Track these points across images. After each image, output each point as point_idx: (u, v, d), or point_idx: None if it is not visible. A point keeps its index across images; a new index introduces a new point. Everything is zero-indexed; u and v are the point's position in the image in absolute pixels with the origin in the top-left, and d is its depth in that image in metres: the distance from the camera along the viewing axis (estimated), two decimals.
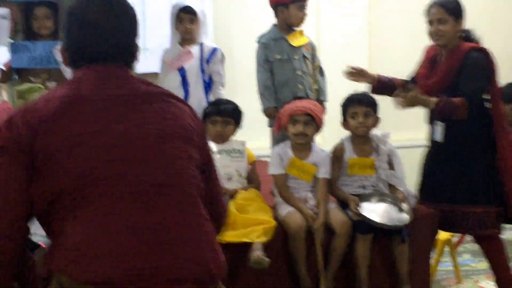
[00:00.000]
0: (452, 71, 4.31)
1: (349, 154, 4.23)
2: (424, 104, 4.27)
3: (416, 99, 4.21)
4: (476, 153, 4.34)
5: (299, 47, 4.77)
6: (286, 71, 4.75)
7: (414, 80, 4.58)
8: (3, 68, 4.45)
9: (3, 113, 3.64)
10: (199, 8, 4.72)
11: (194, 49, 4.68)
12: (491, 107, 4.35)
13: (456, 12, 4.35)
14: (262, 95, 4.80)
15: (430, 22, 4.37)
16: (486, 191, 4.32)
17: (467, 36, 4.44)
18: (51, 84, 4.23)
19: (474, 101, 4.25)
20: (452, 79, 4.31)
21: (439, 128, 4.38)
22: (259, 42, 4.87)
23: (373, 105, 4.21)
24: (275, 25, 4.85)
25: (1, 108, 3.66)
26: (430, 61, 4.51)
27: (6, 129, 2.06)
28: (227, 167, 4.22)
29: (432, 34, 4.36)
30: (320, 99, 4.78)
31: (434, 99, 4.21)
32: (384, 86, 4.59)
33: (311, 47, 4.87)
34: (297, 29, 4.85)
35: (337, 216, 4.01)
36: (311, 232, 3.94)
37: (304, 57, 4.77)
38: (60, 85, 2.21)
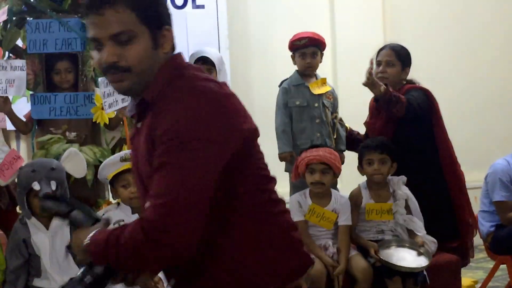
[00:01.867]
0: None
1: (366, 200, 4.23)
2: (375, 86, 4.22)
3: (373, 80, 4.19)
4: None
5: (320, 95, 4.79)
6: (305, 118, 4.77)
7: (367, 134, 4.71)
8: (24, 119, 4.52)
9: (14, 161, 3.69)
10: (216, 56, 4.75)
11: None
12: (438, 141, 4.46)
13: (404, 59, 4.50)
14: (279, 139, 4.82)
15: (378, 63, 4.49)
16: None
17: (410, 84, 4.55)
18: (71, 135, 4.28)
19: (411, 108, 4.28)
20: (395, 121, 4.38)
21: None
22: (280, 86, 4.91)
23: (389, 151, 4.21)
24: (297, 71, 4.89)
25: (11, 157, 3.70)
26: (376, 109, 4.53)
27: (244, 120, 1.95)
28: None
29: (377, 75, 4.43)
30: (339, 149, 4.78)
31: (383, 86, 4.22)
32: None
33: (333, 97, 4.88)
34: (321, 76, 4.89)
35: (358, 263, 4.00)
36: (332, 279, 3.93)
37: (324, 105, 4.79)
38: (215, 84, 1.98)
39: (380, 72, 4.47)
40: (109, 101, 4.13)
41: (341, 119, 4.88)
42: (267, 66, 7.11)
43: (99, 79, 4.14)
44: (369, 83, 4.15)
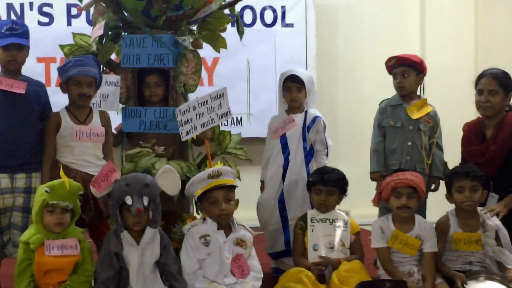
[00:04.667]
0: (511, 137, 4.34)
1: (454, 228, 4.13)
2: None
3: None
4: None
5: (417, 119, 4.71)
6: (397, 139, 4.71)
7: (465, 161, 4.55)
8: (114, 131, 4.61)
9: (109, 174, 3.75)
10: (306, 75, 4.76)
11: (299, 117, 4.71)
12: None
13: (507, 86, 4.41)
14: (371, 158, 4.78)
15: (480, 92, 4.41)
16: None
17: (510, 109, 4.50)
18: (160, 149, 4.34)
19: None
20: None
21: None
22: (379, 105, 4.87)
23: (480, 179, 4.10)
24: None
25: (107, 169, 3.77)
26: (476, 137, 4.51)
27: None
28: (329, 236, 4.21)
29: (480, 104, 4.41)
30: (434, 175, 4.70)
31: None
32: None
33: (433, 120, 4.76)
34: (423, 97, 4.82)
35: None
36: None
37: (420, 129, 4.71)
38: None
39: (483, 102, 4.40)
40: (186, 129, 4.20)
41: (437, 144, 4.76)
42: (353, 86, 7.09)
43: (175, 109, 4.19)
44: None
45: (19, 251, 3.73)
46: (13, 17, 6.61)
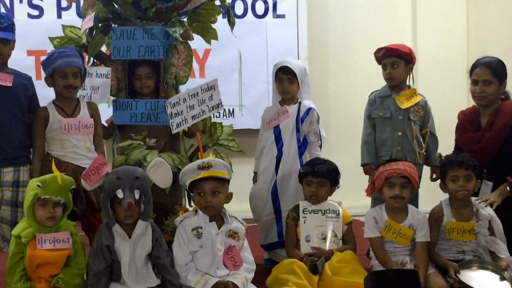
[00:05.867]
0: (507, 126, 4.36)
1: (448, 218, 4.13)
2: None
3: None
4: None
5: (407, 108, 4.70)
6: (387, 130, 4.70)
7: (459, 148, 4.57)
8: (105, 124, 4.59)
9: (100, 167, 3.73)
10: (298, 67, 4.75)
11: (292, 108, 4.70)
12: None
13: (500, 74, 4.41)
14: (361, 150, 4.78)
15: (475, 82, 4.42)
16: None
17: (506, 97, 4.51)
18: (151, 141, 4.32)
19: None
20: (507, 134, 4.35)
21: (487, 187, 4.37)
22: (368, 97, 4.87)
23: (474, 168, 4.10)
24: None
25: (97, 163, 3.75)
26: (471, 124, 4.52)
27: None
28: (321, 226, 4.21)
29: (475, 94, 4.42)
30: (432, 165, 4.70)
31: None
32: None
33: (424, 110, 4.76)
34: (413, 86, 4.81)
35: (436, 282, 3.90)
36: None
37: (409, 119, 4.70)
38: None
39: (478, 92, 4.40)
40: (177, 121, 4.19)
41: (431, 133, 4.76)
42: (345, 78, 7.09)
43: (166, 101, 4.17)
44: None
45: (10, 244, 3.72)
46: (2, 9, 6.57)
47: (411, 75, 4.82)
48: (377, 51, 4.79)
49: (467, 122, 4.55)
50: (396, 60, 4.72)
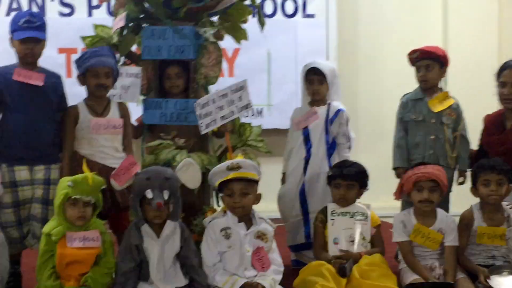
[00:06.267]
0: None
1: (479, 222, 4.09)
2: None
3: None
4: None
5: (440, 112, 4.66)
6: (419, 133, 4.66)
7: (483, 150, 4.51)
8: (135, 123, 4.61)
9: (130, 167, 3.76)
10: (328, 68, 4.72)
11: (321, 110, 4.68)
12: None
13: None
14: (393, 153, 4.75)
15: (503, 84, 4.36)
16: None
17: None
18: (180, 141, 4.33)
19: None
20: None
21: None
22: (400, 100, 4.83)
23: (506, 172, 4.06)
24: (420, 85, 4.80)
25: (127, 163, 3.77)
26: (496, 127, 4.46)
27: None
28: (350, 229, 4.19)
29: (503, 96, 4.36)
30: (460, 169, 4.66)
31: None
32: None
33: (456, 113, 4.71)
34: (445, 89, 4.76)
35: (466, 287, 3.86)
36: None
37: (442, 123, 4.66)
38: None
39: (506, 94, 4.36)
40: (206, 122, 4.19)
41: (462, 136, 4.71)
42: (375, 78, 7.06)
43: (195, 102, 4.18)
44: None
45: (41, 242, 3.75)
46: (34, 8, 6.63)
47: (444, 77, 4.77)
48: (411, 53, 4.74)
49: (492, 125, 4.50)
50: (430, 63, 4.67)
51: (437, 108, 4.63)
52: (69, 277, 3.67)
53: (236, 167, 3.83)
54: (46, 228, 3.73)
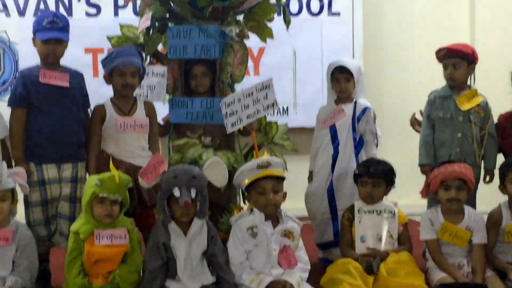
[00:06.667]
0: None
1: (507, 221, 4.07)
2: None
3: None
4: None
5: (468, 110, 4.61)
6: (446, 131, 4.62)
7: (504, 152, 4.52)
8: (161, 122, 4.63)
9: (157, 165, 3.77)
10: (354, 66, 4.70)
11: (348, 108, 4.66)
12: None
13: None
14: (420, 150, 4.71)
15: None
16: None
17: None
18: (207, 140, 4.35)
19: None
20: None
21: None
22: (428, 97, 4.80)
23: None
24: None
25: (155, 161, 3.79)
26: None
27: None
28: (377, 227, 4.18)
29: None
30: (486, 167, 4.61)
31: None
32: None
33: (484, 111, 4.64)
34: (474, 87, 4.72)
35: (495, 285, 3.85)
36: None
37: (470, 121, 4.61)
38: None
39: None
40: (231, 121, 4.21)
41: (490, 134, 4.65)
42: (400, 76, 7.01)
43: (221, 101, 4.19)
44: None
45: (69, 240, 3.79)
46: (61, 8, 6.67)
47: (472, 75, 4.73)
48: (439, 51, 4.69)
49: (508, 124, 4.45)
50: (458, 61, 4.62)
51: (465, 106, 4.58)
52: (97, 275, 3.71)
53: (266, 165, 3.84)
54: (74, 226, 3.77)
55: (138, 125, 4.31)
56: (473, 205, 4.45)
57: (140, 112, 4.36)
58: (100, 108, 4.33)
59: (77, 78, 4.35)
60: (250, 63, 6.62)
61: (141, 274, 3.79)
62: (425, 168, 4.63)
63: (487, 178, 4.61)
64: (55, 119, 4.20)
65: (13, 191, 3.85)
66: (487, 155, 4.60)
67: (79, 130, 4.30)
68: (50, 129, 4.19)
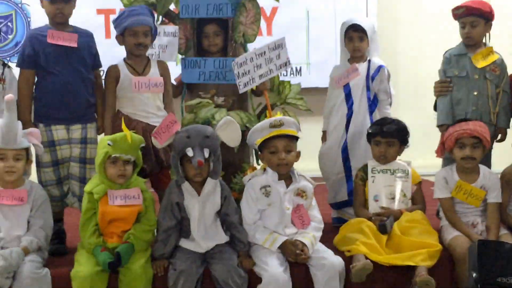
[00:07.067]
0: None
1: None
2: None
3: None
4: None
5: (483, 68, 4.55)
6: (462, 89, 4.57)
7: None
8: (174, 82, 4.61)
9: (170, 125, 3.76)
10: (368, 25, 4.64)
11: (362, 66, 4.62)
12: None
13: None
14: (438, 110, 4.66)
15: None
16: None
17: None
18: (219, 100, 4.34)
19: None
20: None
21: None
22: (443, 55, 4.74)
23: None
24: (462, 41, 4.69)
25: (168, 121, 3.78)
26: None
27: None
28: (390, 186, 4.17)
29: None
30: (499, 125, 4.56)
31: None
32: None
33: (500, 69, 4.56)
34: (489, 44, 4.65)
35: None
36: None
37: (486, 78, 4.55)
38: None
39: None
40: (244, 81, 4.18)
41: (504, 92, 4.58)
42: (415, 34, 6.95)
43: (233, 61, 4.15)
44: None
45: (83, 200, 3.81)
46: None
47: (488, 33, 4.66)
48: (456, 9, 4.60)
49: None
50: (476, 19, 4.53)
51: (481, 63, 4.52)
52: (111, 234, 3.74)
53: (279, 125, 3.82)
54: (88, 186, 3.79)
55: (153, 84, 4.28)
56: (488, 165, 4.42)
57: (154, 71, 4.34)
58: (114, 69, 4.31)
59: (86, 38, 4.32)
60: (263, 23, 6.58)
61: (155, 234, 3.81)
62: (442, 128, 4.59)
63: (499, 136, 4.57)
64: (63, 80, 4.19)
65: (27, 151, 3.87)
66: (500, 113, 4.55)
67: (87, 91, 4.28)
68: (58, 90, 4.18)
